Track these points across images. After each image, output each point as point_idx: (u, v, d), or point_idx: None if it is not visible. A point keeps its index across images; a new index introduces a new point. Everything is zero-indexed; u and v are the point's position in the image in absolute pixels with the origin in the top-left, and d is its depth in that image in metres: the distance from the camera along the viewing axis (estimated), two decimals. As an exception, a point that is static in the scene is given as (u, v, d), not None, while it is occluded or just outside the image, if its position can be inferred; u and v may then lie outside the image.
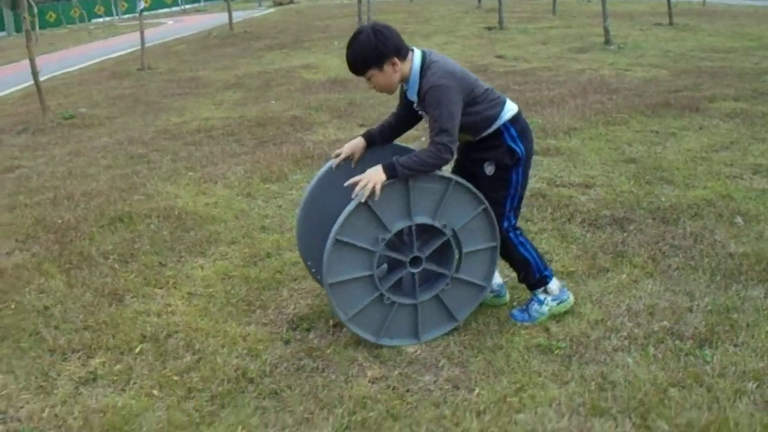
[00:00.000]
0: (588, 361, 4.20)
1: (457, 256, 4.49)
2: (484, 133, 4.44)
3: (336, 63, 17.74)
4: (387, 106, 11.38)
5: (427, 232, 4.41)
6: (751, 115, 9.84)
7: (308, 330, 4.70)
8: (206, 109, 12.94)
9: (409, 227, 4.34)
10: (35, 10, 45.39)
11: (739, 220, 6.18)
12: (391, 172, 4.15)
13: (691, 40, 19.51)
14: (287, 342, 4.57)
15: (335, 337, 4.60)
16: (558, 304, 4.75)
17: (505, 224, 4.59)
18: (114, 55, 25.34)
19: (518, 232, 4.70)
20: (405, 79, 4.38)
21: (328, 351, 4.44)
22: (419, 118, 4.65)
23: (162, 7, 69.20)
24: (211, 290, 5.35)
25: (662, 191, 6.95)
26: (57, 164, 9.51)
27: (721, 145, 8.47)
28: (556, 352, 4.32)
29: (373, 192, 4.11)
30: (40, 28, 52.37)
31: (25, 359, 4.51)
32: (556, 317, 4.70)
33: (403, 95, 4.58)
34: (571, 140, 8.77)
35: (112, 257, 5.98)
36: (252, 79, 16.25)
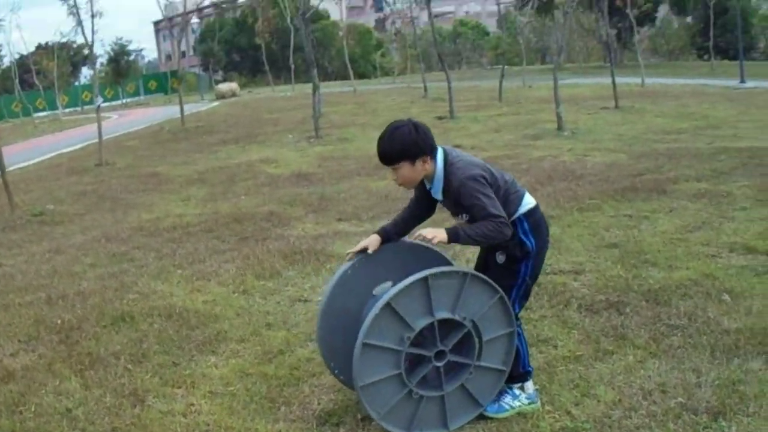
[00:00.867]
0: (615, 441, 4.35)
1: (477, 345, 4.59)
2: None
3: (295, 157, 18.03)
4: (360, 200, 11.62)
5: (448, 325, 4.50)
6: (716, 194, 10.19)
7: (337, 425, 4.76)
8: (175, 206, 13.05)
9: (432, 323, 4.44)
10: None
11: (726, 297, 6.40)
12: (453, 235, 4.35)
13: (640, 122, 20.08)
14: (320, 437, 4.63)
15: (365, 430, 4.67)
16: (529, 403, 4.83)
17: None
18: (66, 150, 25.42)
19: (518, 322, 4.82)
20: (429, 178, 4.55)
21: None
22: (433, 210, 4.85)
23: (103, 101, 69.27)
24: (231, 389, 5.38)
25: (649, 273, 7.16)
26: (39, 262, 9.53)
27: (693, 226, 8.76)
28: (581, 433, 4.47)
29: (433, 239, 4.32)
30: (-19, 122, 52.45)
31: (59, 464, 4.52)
32: (576, 401, 4.84)
33: (420, 188, 4.73)
34: (551, 228, 8.94)
35: (123, 357, 5.99)
36: (214, 174, 16.41)
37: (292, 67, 52.94)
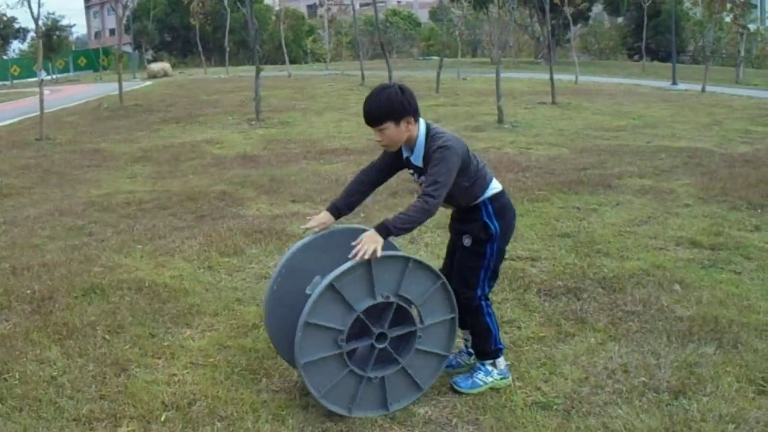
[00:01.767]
0: (586, 414, 4.65)
1: (415, 312, 4.76)
2: (465, 206, 4.83)
3: (238, 139, 18.12)
4: (311, 182, 11.80)
5: (387, 307, 4.65)
6: (659, 191, 10.59)
7: (320, 396, 4.97)
8: (123, 182, 13.07)
9: (375, 305, 4.58)
10: None
11: (677, 287, 6.77)
12: (385, 233, 4.47)
13: (578, 119, 20.51)
14: (305, 407, 4.80)
15: (348, 401, 4.89)
16: (501, 378, 5.03)
17: (478, 293, 4.91)
18: (2, 123, 25.02)
19: (489, 302, 5.04)
20: (411, 142, 4.72)
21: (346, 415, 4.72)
22: (392, 175, 5.07)
23: (32, 76, 68.36)
24: (211, 360, 5.52)
25: (602, 263, 7.48)
26: (-5, 233, 9.52)
27: (640, 220, 9.12)
28: (554, 407, 4.74)
29: (374, 252, 4.39)
30: None
31: (52, 429, 4.63)
32: (545, 378, 5.12)
33: (391, 155, 4.91)
34: (506, 216, 9.24)
35: (99, 328, 6.09)
36: (158, 152, 16.42)
37: (227, 49, 52.73)
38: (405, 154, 4.84)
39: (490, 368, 5.04)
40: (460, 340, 5.36)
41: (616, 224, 8.92)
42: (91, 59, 78.72)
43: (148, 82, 46.81)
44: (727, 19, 40.07)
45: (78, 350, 5.73)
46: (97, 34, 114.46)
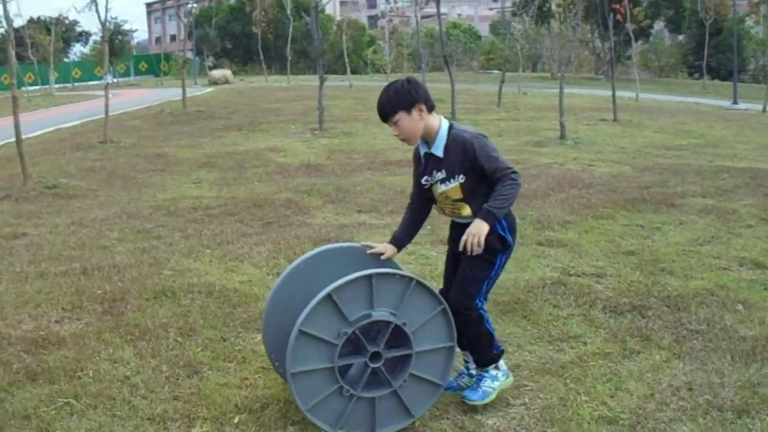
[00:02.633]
0: (651, 430, 4.68)
1: (411, 336, 4.65)
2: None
3: (302, 148, 18.27)
4: (376, 193, 11.85)
5: (384, 326, 4.59)
6: (722, 211, 10.52)
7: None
8: (188, 188, 13.23)
9: (371, 323, 4.55)
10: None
11: (740, 307, 6.73)
12: (491, 219, 4.55)
13: (639, 136, 20.45)
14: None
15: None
16: (505, 378, 5.05)
17: (479, 303, 4.87)
18: (65, 125, 25.50)
19: (483, 310, 4.97)
20: (429, 134, 4.76)
21: (417, 423, 4.76)
22: (429, 209, 5.11)
23: (93, 80, 69.32)
24: (283, 366, 5.65)
25: (666, 281, 7.47)
26: (64, 234, 9.71)
27: (703, 239, 9.08)
28: (620, 422, 4.76)
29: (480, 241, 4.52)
30: (-29, 93, 52.20)
31: (127, 427, 4.72)
32: (611, 393, 5.15)
33: (417, 181, 4.97)
34: (567, 233, 9.28)
35: (171, 330, 6.21)
36: (222, 159, 16.57)
37: (289, 57, 53.10)
38: (423, 150, 4.89)
39: (494, 372, 5.02)
40: (460, 361, 5.33)
41: (680, 243, 8.90)
42: (152, 64, 79.83)
43: (209, 89, 47.31)
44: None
45: (151, 351, 5.85)
46: (158, 40, 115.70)
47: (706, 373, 5.42)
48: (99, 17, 21.81)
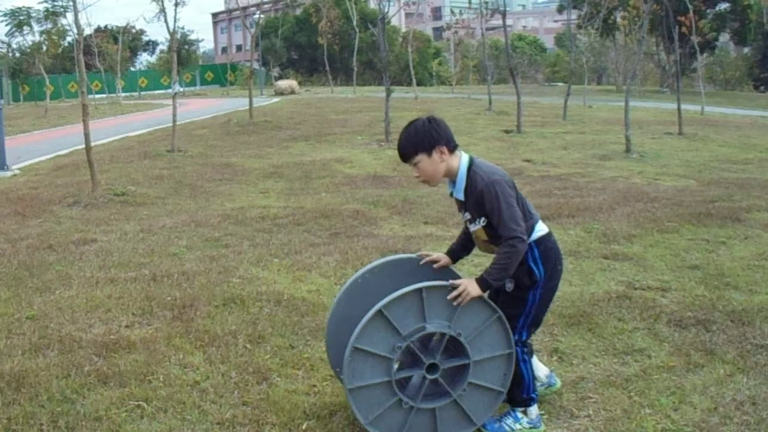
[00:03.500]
0: (716, 444, 4.68)
1: (470, 362, 4.65)
2: None
3: (368, 159, 18.37)
4: (443, 205, 11.82)
5: (439, 338, 4.61)
6: (788, 226, 10.44)
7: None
8: (255, 197, 13.41)
9: (427, 335, 4.57)
10: (47, 81, 46.06)
11: (806, 324, 6.72)
12: (485, 286, 4.51)
13: (705, 150, 20.25)
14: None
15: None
16: (530, 428, 4.90)
17: (515, 338, 4.75)
18: (132, 134, 25.98)
19: (525, 349, 4.89)
20: (451, 175, 4.68)
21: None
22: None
23: (159, 89, 70.22)
24: (350, 375, 5.72)
25: (731, 296, 7.41)
26: (133, 241, 9.92)
27: (769, 255, 9.05)
28: (684, 435, 4.79)
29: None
30: (39, 99, 53.08)
31: (197, 431, 4.83)
32: (675, 406, 5.14)
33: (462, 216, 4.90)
34: (633, 246, 9.24)
35: (240, 337, 6.31)
36: (289, 169, 16.74)
37: (355, 69, 53.30)
38: (449, 189, 4.82)
39: (520, 416, 4.92)
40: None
41: (745, 258, 8.83)
42: (218, 74, 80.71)
43: (275, 99, 47.68)
44: None
45: (220, 357, 5.96)
46: (224, 50, 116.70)
47: (770, 389, 5.42)
48: (167, 27, 22.00)
